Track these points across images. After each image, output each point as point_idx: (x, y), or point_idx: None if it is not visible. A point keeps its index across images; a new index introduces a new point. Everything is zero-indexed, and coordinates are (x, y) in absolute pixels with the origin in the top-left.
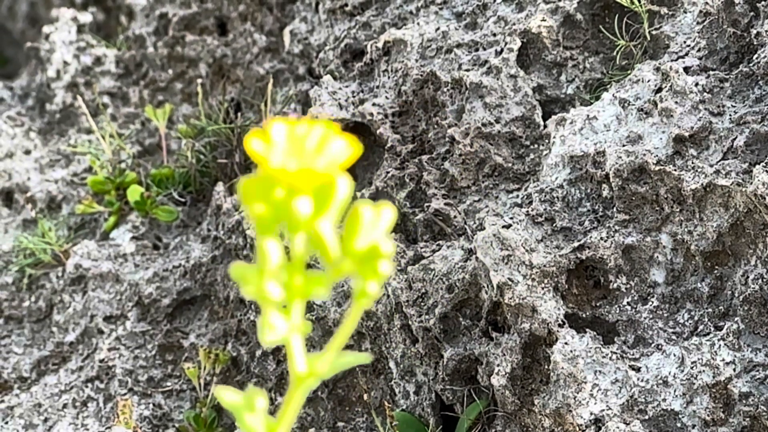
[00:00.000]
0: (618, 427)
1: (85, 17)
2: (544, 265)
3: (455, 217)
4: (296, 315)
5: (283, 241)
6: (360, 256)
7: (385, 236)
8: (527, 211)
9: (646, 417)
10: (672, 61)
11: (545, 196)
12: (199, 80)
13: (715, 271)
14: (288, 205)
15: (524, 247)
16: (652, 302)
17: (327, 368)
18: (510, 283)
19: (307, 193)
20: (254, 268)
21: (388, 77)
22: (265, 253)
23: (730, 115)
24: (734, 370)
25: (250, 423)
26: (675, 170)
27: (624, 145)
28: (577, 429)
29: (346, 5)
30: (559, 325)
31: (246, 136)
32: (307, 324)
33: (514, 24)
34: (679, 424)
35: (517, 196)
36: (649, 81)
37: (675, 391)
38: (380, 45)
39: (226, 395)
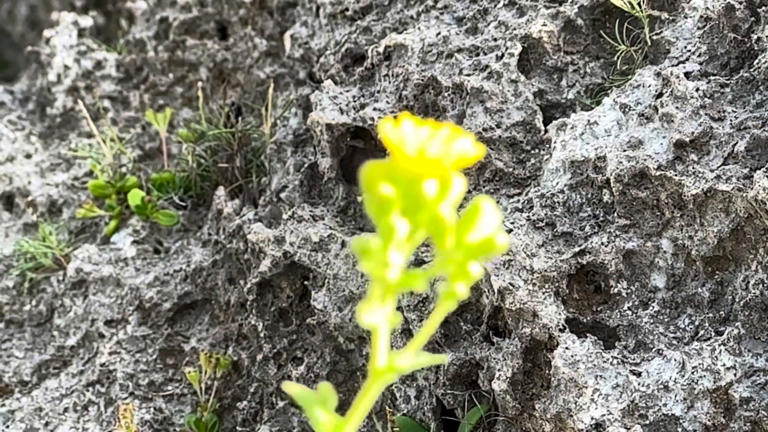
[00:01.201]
0: None
1: (86, 21)
2: (545, 270)
3: None
4: (390, 306)
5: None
6: (473, 248)
7: (500, 230)
8: (528, 216)
9: (647, 422)
10: (673, 66)
11: (546, 201)
12: (200, 84)
13: (716, 276)
14: (411, 191)
15: (525, 252)
16: (653, 307)
17: (407, 365)
18: (511, 287)
19: (434, 178)
20: (377, 242)
21: (389, 82)
22: (391, 227)
23: (731, 120)
24: (735, 375)
25: (321, 418)
26: (676, 175)
27: (625, 150)
28: None
29: (347, 10)
30: (560, 330)
31: (379, 122)
32: (397, 315)
33: (514, 29)
34: (680, 429)
35: (518, 201)
36: (649, 86)
37: (676, 396)
38: (381, 50)
39: (297, 389)
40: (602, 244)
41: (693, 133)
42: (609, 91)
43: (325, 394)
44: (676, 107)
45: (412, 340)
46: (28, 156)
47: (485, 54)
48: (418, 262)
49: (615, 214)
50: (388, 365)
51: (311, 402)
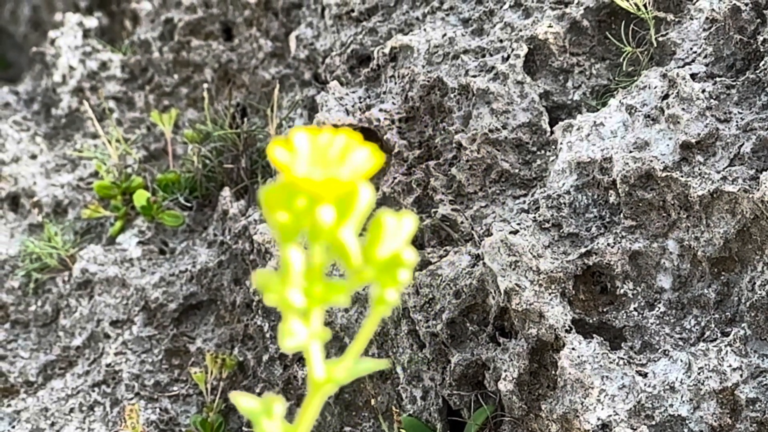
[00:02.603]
0: None
1: (91, 22)
2: (552, 271)
3: (462, 222)
4: (316, 322)
5: (304, 249)
6: (382, 264)
7: (407, 245)
8: (534, 217)
9: (654, 422)
10: (678, 67)
11: (552, 202)
12: (205, 85)
13: (722, 277)
14: (311, 213)
15: (531, 253)
16: (659, 308)
17: (345, 374)
18: (517, 288)
19: (330, 201)
20: (277, 276)
21: (395, 83)
22: (287, 261)
23: (737, 121)
24: (741, 375)
25: (268, 429)
26: (682, 176)
27: (631, 152)
28: None
29: (353, 11)
30: (566, 331)
31: (268, 145)
32: (326, 330)
33: (520, 30)
34: (686, 430)
35: (524, 202)
36: (655, 87)
37: (682, 396)
38: (387, 51)
39: (243, 401)
40: (608, 245)
41: (699, 134)
42: (615, 93)
43: (269, 404)
44: (682, 108)
45: (348, 347)
46: (34, 156)
47: (491, 55)
48: None
49: (621, 215)
50: (327, 377)
51: (257, 413)
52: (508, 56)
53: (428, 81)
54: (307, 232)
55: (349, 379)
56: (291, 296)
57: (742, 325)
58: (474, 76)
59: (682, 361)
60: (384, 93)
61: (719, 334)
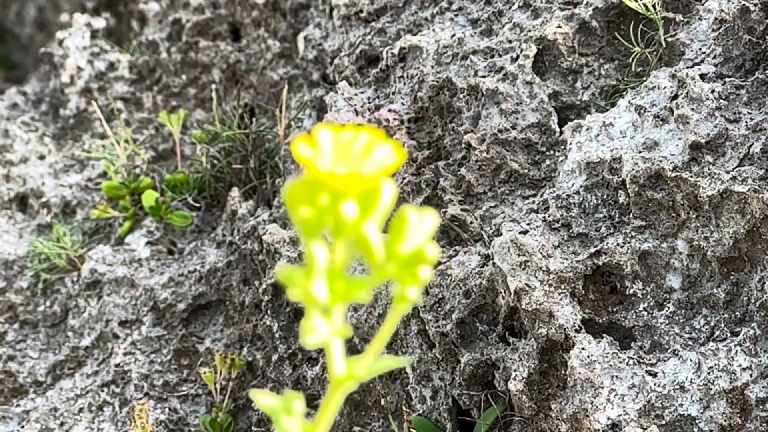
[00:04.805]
0: None
1: (99, 23)
2: (561, 271)
3: (472, 222)
4: (337, 318)
5: (327, 246)
6: (404, 260)
7: (429, 241)
8: (544, 217)
9: (663, 422)
10: (688, 68)
11: (562, 202)
12: (213, 86)
13: (732, 277)
14: (334, 208)
15: (541, 253)
16: (669, 308)
17: (365, 372)
18: (527, 288)
19: (353, 196)
20: (301, 271)
21: (404, 83)
22: (312, 255)
23: (747, 121)
24: (751, 375)
25: (288, 426)
26: (691, 177)
27: (640, 152)
28: None
29: (361, 11)
30: (576, 331)
31: (292, 140)
32: (347, 328)
33: (529, 31)
34: (696, 430)
35: (534, 202)
36: (665, 88)
37: (692, 396)
38: (396, 51)
39: (263, 398)
40: (618, 245)
41: (708, 134)
42: (624, 93)
43: (289, 402)
44: (692, 109)
45: (369, 344)
46: (42, 157)
47: (500, 56)
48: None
49: (630, 215)
50: (347, 373)
51: (278, 411)
52: (517, 57)
53: (437, 81)
54: (331, 228)
55: (369, 376)
56: (315, 290)
57: (752, 324)
58: (483, 77)
59: (691, 360)
60: (393, 93)
61: (729, 334)
